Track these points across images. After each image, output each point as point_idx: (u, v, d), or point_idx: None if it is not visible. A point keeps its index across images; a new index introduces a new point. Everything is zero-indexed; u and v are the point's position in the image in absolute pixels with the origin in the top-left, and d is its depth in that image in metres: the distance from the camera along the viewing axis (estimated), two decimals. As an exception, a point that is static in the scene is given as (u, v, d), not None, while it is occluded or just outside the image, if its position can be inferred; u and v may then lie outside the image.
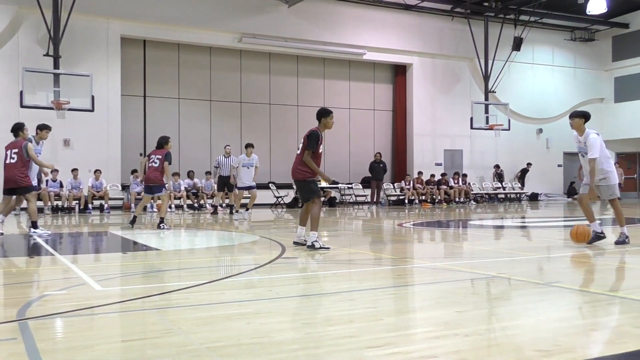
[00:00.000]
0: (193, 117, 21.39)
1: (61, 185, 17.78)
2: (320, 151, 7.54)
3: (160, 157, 11.02)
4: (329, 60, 23.40)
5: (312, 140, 7.39)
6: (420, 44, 24.15)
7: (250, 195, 14.45)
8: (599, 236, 7.62)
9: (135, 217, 11.63)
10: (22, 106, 16.23)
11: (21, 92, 16.18)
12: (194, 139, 21.23)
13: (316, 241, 7.28)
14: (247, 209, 14.41)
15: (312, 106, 23.11)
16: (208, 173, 19.54)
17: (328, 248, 7.36)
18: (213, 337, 3.27)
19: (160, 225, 10.93)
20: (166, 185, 11.29)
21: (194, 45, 21.08)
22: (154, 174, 11.02)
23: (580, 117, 7.53)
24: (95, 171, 18.08)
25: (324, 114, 7.59)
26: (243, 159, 14.26)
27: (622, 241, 7.58)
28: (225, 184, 16.60)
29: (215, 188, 17.40)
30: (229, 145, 16.92)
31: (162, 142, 11.23)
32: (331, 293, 4.67)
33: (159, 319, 3.75)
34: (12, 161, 9.65)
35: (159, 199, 11.80)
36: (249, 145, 14.38)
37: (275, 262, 6.42)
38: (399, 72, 24.63)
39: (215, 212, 16.53)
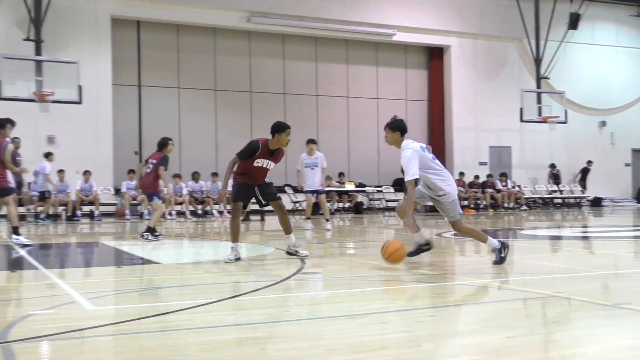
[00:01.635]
0: (195, 110, 21.50)
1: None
2: (263, 165, 7.54)
3: (155, 161, 10.73)
4: (353, 42, 23.40)
5: (245, 149, 7.49)
6: (460, 22, 24.06)
7: (318, 201, 13.59)
8: (422, 248, 7.17)
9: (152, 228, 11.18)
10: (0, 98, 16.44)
11: (-2, 82, 16.39)
12: (197, 135, 21.31)
13: (231, 254, 7.48)
14: (308, 218, 13.55)
15: (334, 96, 23.18)
16: (215, 175, 19.48)
17: (238, 259, 7.47)
18: (222, 365, 3.28)
19: (144, 234, 10.53)
20: (162, 193, 11.23)
21: (195, 26, 21.19)
22: (146, 181, 10.81)
23: (393, 129, 6.77)
24: (84, 172, 18.20)
25: (278, 129, 7.54)
26: (304, 158, 13.24)
27: (498, 260, 6.84)
28: None
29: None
30: None
31: (161, 144, 10.94)
32: (359, 314, 4.67)
33: (158, 343, 3.77)
34: None
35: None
36: (310, 142, 13.34)
37: (293, 278, 6.43)
38: (435, 56, 24.56)
39: (247, 218, 16.51)
